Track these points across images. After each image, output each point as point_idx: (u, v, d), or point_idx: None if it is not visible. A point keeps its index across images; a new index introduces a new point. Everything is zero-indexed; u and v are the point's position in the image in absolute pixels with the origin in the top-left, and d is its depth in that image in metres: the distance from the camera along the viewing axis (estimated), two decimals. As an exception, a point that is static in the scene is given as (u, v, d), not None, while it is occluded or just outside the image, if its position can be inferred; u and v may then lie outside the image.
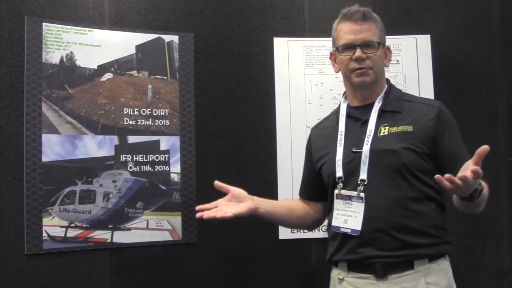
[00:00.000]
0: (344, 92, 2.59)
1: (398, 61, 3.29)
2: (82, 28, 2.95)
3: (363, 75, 2.43)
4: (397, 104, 2.47)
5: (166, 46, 3.11)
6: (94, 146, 2.93)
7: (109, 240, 2.93)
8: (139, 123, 3.02)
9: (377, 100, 2.47)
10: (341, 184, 2.42)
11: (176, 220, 3.06)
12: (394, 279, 2.31)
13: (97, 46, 2.98)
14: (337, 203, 2.43)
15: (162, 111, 3.08)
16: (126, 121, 3.00)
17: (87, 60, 2.96)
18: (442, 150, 2.37)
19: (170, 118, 3.09)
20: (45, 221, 2.80)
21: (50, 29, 2.87)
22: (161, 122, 3.07)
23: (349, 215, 2.38)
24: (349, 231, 2.36)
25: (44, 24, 2.85)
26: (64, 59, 2.91)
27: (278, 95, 3.23)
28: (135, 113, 3.03)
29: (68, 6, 2.95)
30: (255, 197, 2.47)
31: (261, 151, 3.20)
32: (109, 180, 2.95)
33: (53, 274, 2.84)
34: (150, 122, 3.05)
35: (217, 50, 3.18)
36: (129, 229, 2.97)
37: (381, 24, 2.49)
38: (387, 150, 2.34)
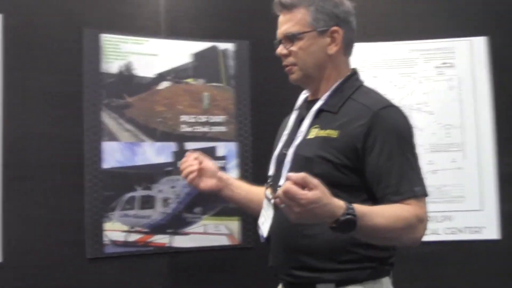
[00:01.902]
0: None
1: (451, 64, 3.14)
2: (140, 38, 2.94)
3: (289, 73, 2.12)
4: (336, 103, 2.04)
5: (221, 54, 3.07)
6: (152, 153, 2.91)
7: (168, 245, 2.90)
8: (196, 130, 2.99)
9: (322, 97, 2.07)
10: (269, 183, 2.14)
11: (234, 225, 3.02)
12: None
13: (154, 56, 2.97)
14: (264, 202, 2.16)
15: (219, 118, 3.04)
16: (183, 128, 2.96)
17: (145, 69, 2.95)
18: (368, 164, 1.92)
19: (226, 125, 3.05)
20: (106, 225, 2.79)
21: (108, 40, 2.87)
22: (217, 129, 3.03)
23: (265, 218, 2.13)
24: (260, 233, 2.13)
25: (102, 35, 2.85)
26: (123, 69, 2.90)
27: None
28: (192, 120, 2.99)
29: (125, 17, 2.95)
30: (225, 177, 2.40)
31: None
32: (168, 186, 2.93)
33: (114, 277, 2.83)
34: (206, 129, 3.02)
35: (273, 57, 3.10)
36: (187, 233, 2.93)
37: (318, 5, 2.05)
38: (303, 157, 1.98)
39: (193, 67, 3.02)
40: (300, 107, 2.20)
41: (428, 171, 2.88)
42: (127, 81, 2.91)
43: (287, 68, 2.11)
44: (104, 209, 2.78)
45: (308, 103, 2.15)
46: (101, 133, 2.82)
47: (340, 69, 2.11)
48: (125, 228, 2.82)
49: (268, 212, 2.08)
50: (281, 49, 2.11)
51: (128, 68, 2.91)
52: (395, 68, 3.11)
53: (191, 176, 2.34)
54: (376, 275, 1.99)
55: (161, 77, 2.98)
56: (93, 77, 2.82)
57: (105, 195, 2.77)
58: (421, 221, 1.88)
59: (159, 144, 2.92)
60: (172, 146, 2.94)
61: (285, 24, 2.08)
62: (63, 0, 2.81)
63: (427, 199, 1.93)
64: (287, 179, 1.63)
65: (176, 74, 2.99)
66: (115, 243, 2.80)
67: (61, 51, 2.78)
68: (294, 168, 1.97)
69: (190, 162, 2.36)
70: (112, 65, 2.87)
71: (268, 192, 2.11)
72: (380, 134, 1.92)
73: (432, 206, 2.92)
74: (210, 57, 3.06)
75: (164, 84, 2.98)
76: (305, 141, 2.02)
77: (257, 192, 2.37)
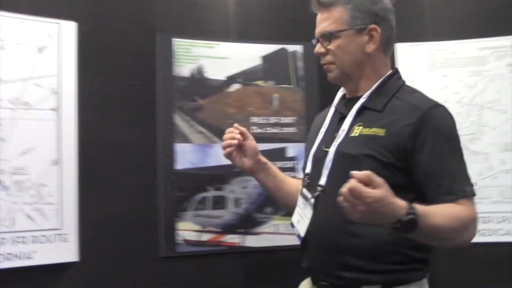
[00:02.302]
0: None
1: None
2: (210, 42, 2.98)
3: (327, 71, 2.09)
4: (381, 101, 2.00)
5: (291, 56, 3.07)
6: None
7: (239, 244, 2.91)
8: (266, 131, 3.00)
9: (364, 95, 2.04)
10: (307, 181, 2.11)
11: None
12: None
13: (225, 59, 3.00)
14: (299, 200, 2.13)
15: (288, 119, 3.04)
16: (254, 129, 2.97)
17: (216, 72, 2.98)
18: (418, 164, 1.89)
19: (296, 126, 3.05)
20: (179, 225, 2.82)
21: (180, 44, 2.91)
22: (287, 130, 3.03)
23: (302, 217, 2.08)
24: (296, 233, 2.10)
25: (174, 39, 2.90)
26: (194, 72, 2.94)
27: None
28: (262, 122, 3.00)
29: (196, 22, 2.98)
30: (263, 160, 2.37)
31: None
32: (239, 186, 2.94)
33: (186, 276, 2.86)
34: (277, 130, 3.02)
35: None
36: (258, 233, 2.94)
37: (356, 3, 2.02)
38: (348, 155, 1.94)
39: (262, 69, 3.03)
40: (338, 105, 2.15)
41: (500, 171, 2.81)
42: (199, 84, 2.94)
43: (324, 67, 2.09)
44: (177, 209, 2.81)
45: (347, 101, 2.11)
46: (174, 135, 2.86)
47: (379, 67, 2.08)
48: (198, 227, 2.85)
49: (305, 211, 2.05)
50: (318, 48, 2.09)
51: (199, 71, 2.95)
52: (466, 67, 3.04)
53: (228, 149, 2.36)
54: (420, 277, 1.97)
55: (232, 79, 3.00)
56: (166, 80, 2.87)
57: (178, 196, 2.80)
58: (473, 221, 1.87)
59: (230, 145, 2.93)
60: (243, 147, 2.95)
61: (323, 22, 2.06)
62: (136, 7, 2.86)
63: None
64: (352, 176, 1.59)
65: (246, 77, 3.01)
66: (188, 242, 2.83)
67: (135, 56, 2.83)
68: (337, 166, 1.96)
69: (233, 135, 2.36)
70: (183, 68, 2.91)
71: (305, 190, 2.08)
72: (430, 133, 1.89)
73: (506, 206, 2.86)
74: (280, 59, 3.06)
75: (234, 87, 3.00)
76: (348, 139, 1.99)
77: (289, 183, 2.39)
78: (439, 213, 1.77)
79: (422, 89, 3.00)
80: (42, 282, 2.57)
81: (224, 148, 2.37)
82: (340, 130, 2.01)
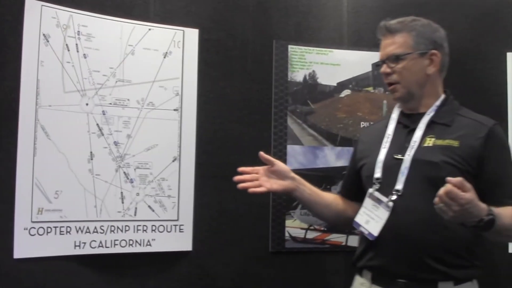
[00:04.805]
0: None
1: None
2: (323, 49, 3.01)
3: (393, 91, 2.22)
4: (448, 117, 2.19)
5: (401, 64, 2.99)
6: (333, 157, 2.95)
7: (344, 244, 2.92)
8: (375, 136, 2.94)
9: (429, 111, 2.19)
10: (377, 185, 2.17)
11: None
12: None
13: (337, 65, 3.01)
14: (367, 202, 2.18)
15: (397, 125, 2.96)
16: (363, 134, 2.92)
17: (328, 78, 3.01)
18: (485, 171, 2.08)
19: (405, 131, 2.96)
20: (288, 223, 2.86)
21: (295, 51, 2.96)
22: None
23: (372, 218, 2.13)
24: (366, 232, 2.13)
25: (289, 46, 2.94)
26: (307, 77, 2.97)
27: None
28: (372, 127, 2.95)
29: (311, 29, 3.02)
30: (297, 177, 2.31)
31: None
32: (347, 188, 2.90)
33: (293, 270, 2.90)
34: (386, 135, 2.95)
35: (450, 66, 2.97)
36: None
37: (416, 32, 2.19)
38: (428, 162, 2.08)
39: (373, 76, 3.01)
40: (402, 119, 2.25)
41: None
42: (311, 89, 2.97)
43: (391, 87, 2.22)
44: (286, 207, 2.85)
45: (410, 116, 2.25)
46: (287, 137, 2.90)
47: (437, 87, 2.25)
48: (304, 225, 2.88)
49: (377, 212, 2.13)
50: (385, 68, 2.22)
51: (312, 76, 2.98)
52: None
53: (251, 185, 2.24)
54: (479, 274, 2.13)
55: (343, 85, 3.01)
56: (281, 85, 2.92)
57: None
58: None
59: (339, 148, 2.95)
60: (351, 151, 2.90)
61: (389, 46, 2.21)
62: (255, 16, 2.92)
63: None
64: (448, 182, 1.76)
65: (357, 83, 3.01)
66: (295, 239, 2.87)
67: (253, 62, 2.90)
68: (415, 172, 2.09)
69: (253, 176, 2.26)
70: (297, 74, 2.95)
71: (378, 193, 2.15)
72: (495, 146, 2.11)
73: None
74: (390, 66, 3.01)
75: (345, 92, 3.01)
76: (423, 148, 2.13)
77: (324, 194, 2.41)
78: (507, 214, 1.97)
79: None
80: (159, 267, 2.68)
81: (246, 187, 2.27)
82: (412, 141, 2.15)
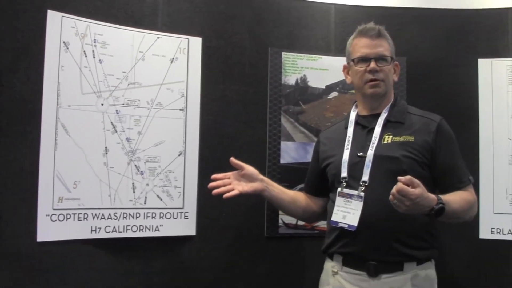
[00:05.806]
0: (355, 102, 2.49)
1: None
2: (313, 56, 3.10)
3: (375, 87, 2.35)
4: (401, 115, 2.38)
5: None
6: None
7: (332, 229, 3.01)
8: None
9: (384, 111, 2.38)
10: (344, 184, 2.32)
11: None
12: (384, 278, 2.20)
13: (325, 70, 3.11)
14: (338, 200, 2.32)
15: (379, 124, 3.09)
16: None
17: (317, 81, 3.10)
18: (438, 162, 2.30)
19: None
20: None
21: (287, 57, 3.06)
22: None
23: (347, 212, 2.27)
24: (346, 226, 2.25)
25: (283, 53, 3.05)
26: (299, 81, 3.07)
27: (482, 112, 3.07)
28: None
29: (302, 38, 3.11)
30: (265, 179, 2.45)
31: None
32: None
33: (286, 254, 3.00)
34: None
35: (427, 72, 3.12)
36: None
37: (391, 42, 2.42)
38: (389, 157, 2.27)
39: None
40: (360, 120, 2.39)
41: None
42: (302, 91, 3.08)
43: (375, 82, 2.36)
44: (280, 197, 2.95)
45: (366, 117, 2.42)
46: (280, 134, 3.00)
47: (392, 91, 2.47)
48: (296, 214, 2.97)
49: (352, 205, 2.25)
50: (375, 65, 2.35)
51: (303, 80, 3.08)
52: None
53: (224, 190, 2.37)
54: (436, 255, 2.34)
55: (331, 88, 3.11)
56: (275, 87, 3.02)
57: (282, 186, 2.83)
58: (476, 202, 2.27)
59: (327, 144, 3.03)
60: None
61: (379, 47, 2.37)
62: (252, 25, 3.01)
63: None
64: (399, 181, 1.95)
65: (343, 86, 3.09)
66: (288, 225, 2.97)
67: (250, 67, 3.00)
68: (378, 166, 2.27)
69: (225, 182, 2.39)
70: (290, 77, 3.06)
71: (347, 190, 2.29)
72: (445, 139, 2.32)
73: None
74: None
75: (333, 94, 3.10)
76: (383, 145, 2.31)
77: (287, 191, 2.57)
78: (455, 199, 2.17)
79: (503, 104, 3.01)
80: (166, 250, 2.78)
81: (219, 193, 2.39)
82: (373, 138, 2.32)
